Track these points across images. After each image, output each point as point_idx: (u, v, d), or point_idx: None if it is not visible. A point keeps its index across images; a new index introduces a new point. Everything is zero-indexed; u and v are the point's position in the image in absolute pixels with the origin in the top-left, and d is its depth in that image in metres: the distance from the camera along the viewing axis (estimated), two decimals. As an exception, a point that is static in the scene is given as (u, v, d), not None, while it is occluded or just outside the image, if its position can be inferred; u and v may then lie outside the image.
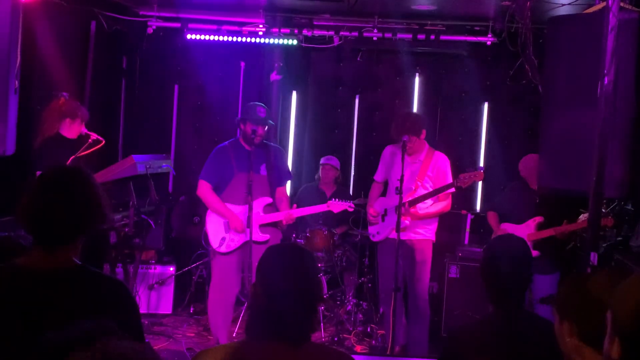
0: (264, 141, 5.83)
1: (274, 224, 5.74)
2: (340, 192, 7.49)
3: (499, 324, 2.93)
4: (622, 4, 3.77)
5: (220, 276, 5.74)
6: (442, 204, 5.89)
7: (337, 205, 5.73)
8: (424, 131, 5.84)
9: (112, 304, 2.35)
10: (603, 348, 1.74)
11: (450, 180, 5.80)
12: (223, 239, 5.68)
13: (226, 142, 5.90)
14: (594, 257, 3.66)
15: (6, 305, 2.23)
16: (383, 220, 5.99)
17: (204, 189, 5.78)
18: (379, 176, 6.18)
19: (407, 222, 5.73)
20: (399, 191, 5.45)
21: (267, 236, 5.64)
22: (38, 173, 2.57)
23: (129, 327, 2.35)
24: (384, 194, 6.18)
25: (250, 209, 5.42)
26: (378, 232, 6.04)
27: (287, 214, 5.64)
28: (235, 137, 5.87)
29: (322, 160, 7.58)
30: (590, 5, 4.39)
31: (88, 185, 2.39)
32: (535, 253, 5.79)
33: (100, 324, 1.74)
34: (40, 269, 2.29)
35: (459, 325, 3.31)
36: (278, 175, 5.79)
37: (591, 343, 2.02)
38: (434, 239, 5.98)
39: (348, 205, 5.76)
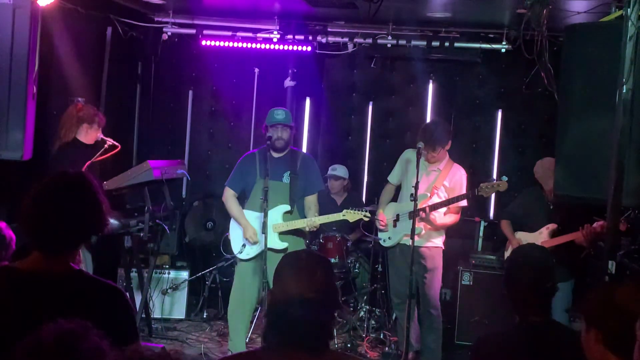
0: (293, 148, 5.86)
1: (296, 232, 5.74)
2: (352, 200, 7.50)
3: (525, 335, 2.92)
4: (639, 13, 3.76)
5: (240, 282, 5.79)
6: (454, 217, 5.90)
7: (352, 215, 5.74)
8: (449, 142, 5.84)
9: (108, 309, 2.35)
10: (633, 356, 1.74)
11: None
12: (243, 245, 5.72)
13: (255, 149, 5.94)
14: (612, 266, 3.65)
15: (2, 307, 2.24)
16: (395, 225, 5.99)
17: (227, 196, 5.85)
18: (393, 178, 6.16)
19: (421, 227, 5.73)
20: (414, 198, 5.45)
21: (285, 244, 5.64)
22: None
23: (124, 332, 2.35)
24: (394, 198, 6.18)
25: (265, 215, 5.42)
26: (389, 237, 6.04)
27: (310, 222, 5.65)
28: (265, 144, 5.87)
29: (329, 172, 7.57)
30: (607, 14, 4.38)
31: (90, 193, 2.39)
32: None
33: (79, 324, 1.74)
34: (38, 273, 2.30)
35: (484, 334, 3.29)
36: (304, 183, 5.78)
37: (617, 351, 2.02)
38: (443, 247, 5.99)
39: (363, 215, 5.76)
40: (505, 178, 5.62)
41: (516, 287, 2.98)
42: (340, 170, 7.56)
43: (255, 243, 5.64)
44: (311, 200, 5.84)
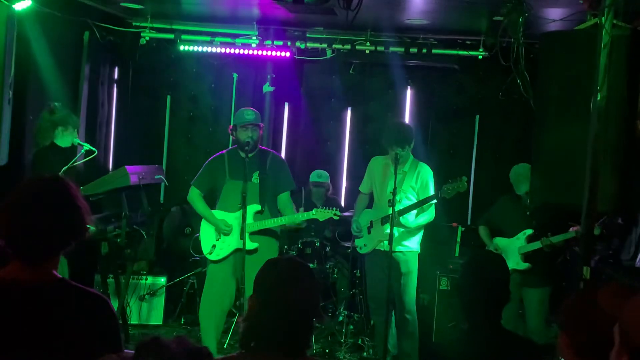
0: (262, 148, 5.85)
1: (267, 231, 5.71)
2: (331, 204, 7.50)
3: (475, 343, 2.93)
4: (614, 21, 3.82)
5: (212, 284, 5.74)
6: (427, 216, 5.88)
7: (322, 213, 5.71)
8: (412, 141, 5.86)
9: (91, 317, 2.31)
10: None
11: (433, 191, 5.83)
12: (213, 246, 5.68)
13: (224, 151, 5.92)
14: (586, 272, 3.69)
15: None
16: (369, 232, 6.01)
17: (192, 195, 5.82)
18: (364, 187, 6.19)
19: (395, 233, 5.74)
20: (392, 203, 5.47)
21: (255, 244, 5.58)
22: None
23: (108, 341, 2.32)
24: (370, 205, 6.19)
25: (244, 219, 5.40)
26: (365, 244, 6.05)
27: (292, 219, 5.63)
28: (234, 146, 5.86)
29: (314, 178, 7.57)
30: (582, 21, 4.44)
31: (69, 198, 2.33)
32: (526, 266, 5.84)
33: None
34: (20, 283, 2.25)
35: (435, 343, 3.33)
36: (274, 183, 5.76)
37: (586, 357, 2.05)
38: (419, 250, 6.00)
39: (333, 214, 5.72)
40: (465, 178, 5.64)
41: (468, 294, 2.99)
42: (325, 176, 7.58)
43: (229, 233, 5.61)
44: (286, 199, 5.81)
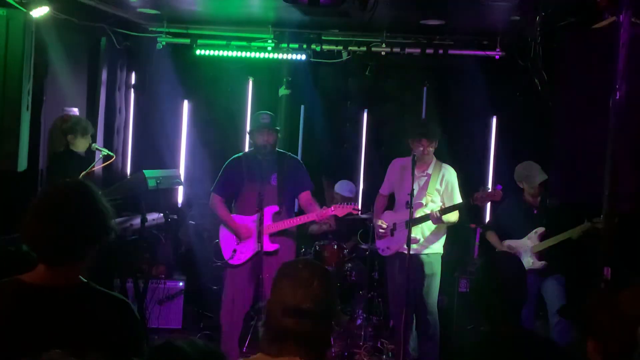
0: (279, 150, 5.86)
1: (285, 233, 5.72)
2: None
3: (493, 344, 2.91)
4: (632, 19, 3.78)
5: (232, 288, 5.77)
6: (454, 217, 5.85)
7: (341, 209, 5.68)
8: (439, 137, 5.84)
9: (114, 321, 2.33)
10: None
11: (458, 194, 5.83)
12: (234, 250, 5.70)
13: (240, 154, 5.95)
14: (607, 272, 3.65)
15: (9, 321, 2.22)
16: (392, 234, 5.97)
17: (215, 202, 5.84)
18: (385, 189, 6.17)
19: (418, 238, 5.74)
20: (410, 205, 5.45)
21: (276, 245, 5.64)
22: None
23: (132, 345, 2.34)
24: (390, 207, 6.17)
25: (261, 221, 5.41)
26: (388, 247, 6.02)
27: (321, 212, 5.62)
28: (251, 148, 5.89)
29: (344, 192, 7.54)
30: (600, 20, 4.40)
31: (92, 203, 2.36)
32: (542, 264, 5.80)
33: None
34: (44, 286, 2.27)
35: (455, 346, 3.29)
36: (292, 184, 5.78)
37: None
38: (442, 252, 5.97)
39: (352, 208, 5.70)
40: (499, 188, 5.62)
41: (486, 296, 2.96)
42: (354, 192, 7.55)
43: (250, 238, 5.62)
44: (308, 198, 5.85)
